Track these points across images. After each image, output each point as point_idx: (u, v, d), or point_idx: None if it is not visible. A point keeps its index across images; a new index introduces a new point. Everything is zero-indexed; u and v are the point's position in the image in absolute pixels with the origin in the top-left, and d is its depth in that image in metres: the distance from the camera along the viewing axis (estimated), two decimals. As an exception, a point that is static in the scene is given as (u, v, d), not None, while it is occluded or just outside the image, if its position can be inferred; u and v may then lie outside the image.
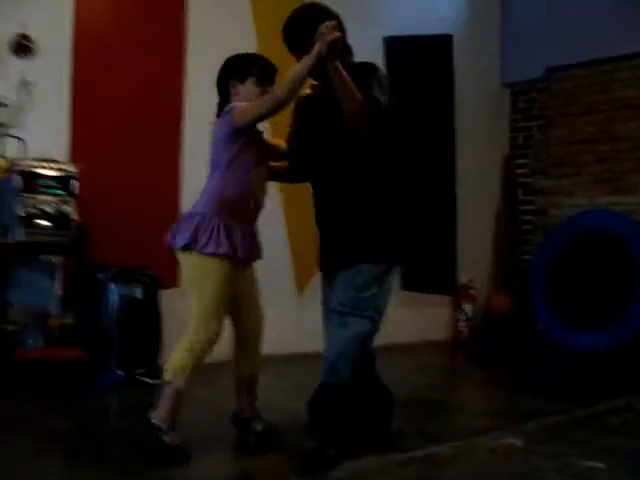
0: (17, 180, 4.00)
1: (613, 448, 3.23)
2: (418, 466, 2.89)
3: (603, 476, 2.80)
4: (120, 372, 4.29)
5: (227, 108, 2.96)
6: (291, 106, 3.05)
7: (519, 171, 7.49)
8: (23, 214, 3.99)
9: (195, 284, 2.91)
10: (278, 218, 5.42)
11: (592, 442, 3.32)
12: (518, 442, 3.26)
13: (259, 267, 3.11)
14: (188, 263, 2.92)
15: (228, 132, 2.90)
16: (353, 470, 2.81)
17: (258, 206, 3.00)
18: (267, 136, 3.15)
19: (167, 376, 2.87)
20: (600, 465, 2.92)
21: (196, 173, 4.99)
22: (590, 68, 6.91)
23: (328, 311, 3.06)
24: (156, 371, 4.40)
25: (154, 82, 4.94)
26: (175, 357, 2.90)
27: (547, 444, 3.27)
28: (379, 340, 6.07)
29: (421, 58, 6.55)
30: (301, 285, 5.66)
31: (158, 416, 2.85)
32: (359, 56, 3.16)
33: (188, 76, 4.98)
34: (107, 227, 4.39)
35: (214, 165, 2.96)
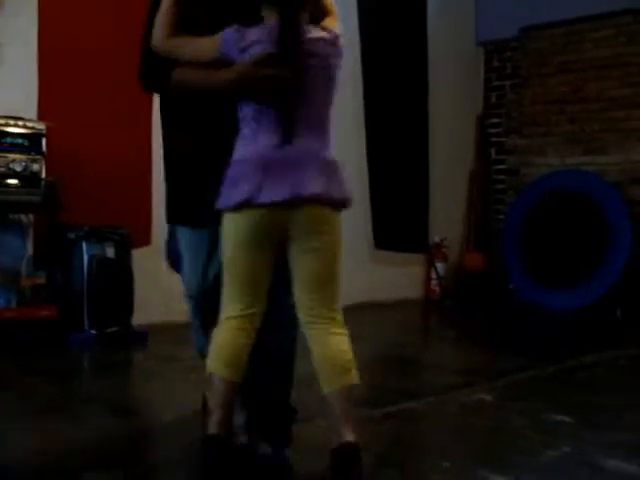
0: (-16, 138, 3.94)
1: (581, 403, 3.29)
2: (392, 421, 2.93)
3: (570, 430, 2.86)
4: (93, 331, 4.28)
5: (331, 33, 2.23)
6: None
7: (492, 130, 7.50)
8: (-9, 173, 3.94)
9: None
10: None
11: (561, 397, 3.39)
12: (488, 398, 3.32)
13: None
14: (338, 222, 2.26)
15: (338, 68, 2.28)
16: (325, 425, 2.84)
17: None
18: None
19: None
20: (568, 419, 2.98)
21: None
22: (564, 28, 6.89)
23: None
24: (129, 330, 4.42)
25: (124, 37, 4.83)
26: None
27: (517, 400, 3.33)
28: (353, 298, 6.10)
29: (395, 15, 6.49)
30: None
31: None
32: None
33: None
34: (78, 185, 4.33)
35: (329, 105, 2.33)
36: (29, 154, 4.05)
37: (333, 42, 2.22)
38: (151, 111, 4.89)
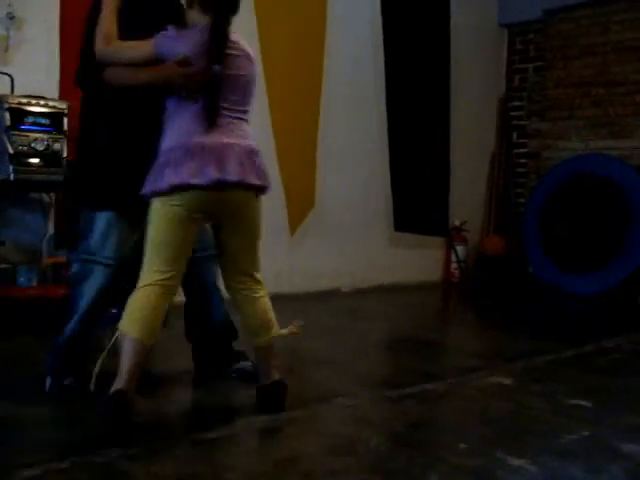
0: (6, 117, 3.95)
1: (599, 387, 3.29)
2: (410, 402, 2.94)
3: (588, 413, 2.85)
4: (113, 310, 4.30)
5: (245, 47, 2.64)
6: None
7: (514, 113, 7.44)
8: (13, 152, 3.95)
9: None
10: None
11: (579, 382, 3.38)
12: (507, 381, 3.32)
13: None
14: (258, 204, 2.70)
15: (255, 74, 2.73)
16: (345, 405, 2.86)
17: None
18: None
19: None
20: (586, 403, 2.97)
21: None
22: (588, 9, 6.80)
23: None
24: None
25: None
26: None
27: (535, 383, 3.32)
28: (373, 280, 6.07)
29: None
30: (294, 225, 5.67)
31: None
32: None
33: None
34: (99, 165, 4.35)
35: (249, 104, 2.68)
36: (51, 133, 4.05)
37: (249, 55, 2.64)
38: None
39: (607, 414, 2.85)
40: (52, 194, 4.40)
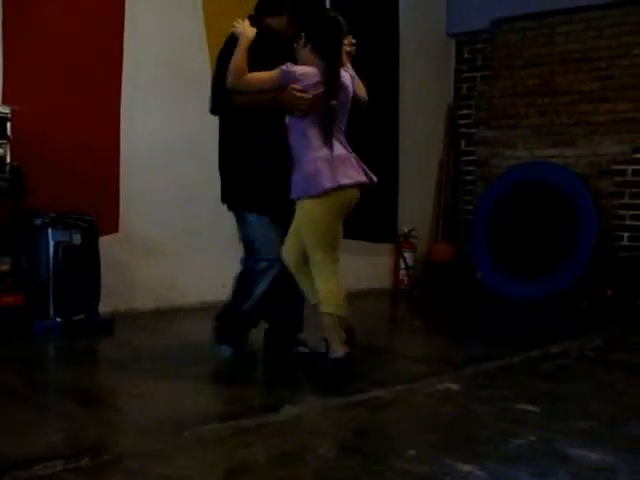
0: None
1: (547, 392, 3.33)
2: (359, 409, 2.94)
3: (535, 418, 2.88)
4: (58, 319, 4.23)
5: (352, 75, 3.49)
6: None
7: (462, 121, 7.53)
8: (-47, 157, 3.86)
9: None
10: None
11: (527, 387, 3.42)
12: (455, 387, 3.34)
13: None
14: None
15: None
16: (293, 413, 2.84)
17: None
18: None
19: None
20: (533, 408, 3.01)
21: (136, 115, 4.89)
22: (535, 20, 6.93)
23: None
24: (95, 318, 4.38)
25: (92, 18, 4.76)
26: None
27: (483, 389, 3.35)
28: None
29: (366, 5, 6.47)
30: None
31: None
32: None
33: (128, 11, 4.82)
34: (44, 171, 4.27)
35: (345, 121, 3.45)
36: (-7, 138, 3.97)
37: (352, 82, 3.44)
38: (120, 97, 4.84)
39: (554, 419, 2.88)
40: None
